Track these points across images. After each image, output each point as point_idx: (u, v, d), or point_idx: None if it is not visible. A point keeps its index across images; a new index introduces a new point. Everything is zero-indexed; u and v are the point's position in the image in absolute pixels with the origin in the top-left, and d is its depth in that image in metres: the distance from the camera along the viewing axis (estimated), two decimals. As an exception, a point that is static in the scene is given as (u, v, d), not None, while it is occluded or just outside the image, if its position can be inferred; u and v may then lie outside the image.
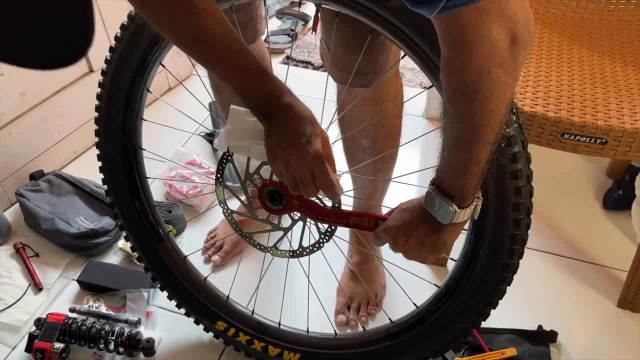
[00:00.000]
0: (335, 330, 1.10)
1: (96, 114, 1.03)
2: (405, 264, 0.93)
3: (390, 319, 1.03)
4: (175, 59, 1.89)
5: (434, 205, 0.73)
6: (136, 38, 0.94)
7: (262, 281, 1.31)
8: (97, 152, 1.05)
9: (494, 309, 0.90)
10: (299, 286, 1.28)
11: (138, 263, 1.34)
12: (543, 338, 1.15)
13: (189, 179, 1.52)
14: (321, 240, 0.94)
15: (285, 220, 0.96)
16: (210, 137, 1.71)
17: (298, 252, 0.96)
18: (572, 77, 1.04)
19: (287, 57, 2.17)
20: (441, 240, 0.76)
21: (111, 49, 0.97)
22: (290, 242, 0.99)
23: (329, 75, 0.99)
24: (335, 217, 0.89)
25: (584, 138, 0.94)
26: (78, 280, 1.30)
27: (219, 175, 0.96)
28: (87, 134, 1.70)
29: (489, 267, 0.87)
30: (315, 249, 0.95)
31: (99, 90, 1.01)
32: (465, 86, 0.59)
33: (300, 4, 0.96)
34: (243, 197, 0.95)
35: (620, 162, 1.50)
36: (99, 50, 1.58)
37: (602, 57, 1.12)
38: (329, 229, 0.92)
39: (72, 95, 1.62)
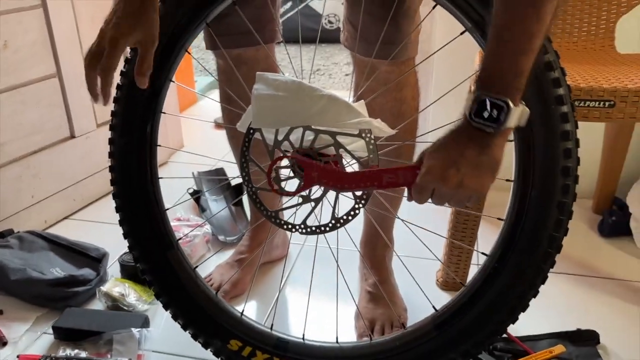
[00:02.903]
0: (370, 336, 0.97)
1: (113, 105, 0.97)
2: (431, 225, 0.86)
3: (434, 307, 0.93)
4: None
5: (483, 110, 0.67)
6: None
7: (272, 299, 1.18)
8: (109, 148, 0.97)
9: (552, 267, 0.83)
10: (319, 298, 1.18)
11: (126, 309, 1.19)
12: (587, 338, 1.07)
13: (178, 231, 1.42)
14: (356, 207, 0.87)
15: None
16: (197, 193, 1.65)
17: (330, 225, 0.89)
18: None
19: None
20: (493, 156, 0.70)
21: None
22: (319, 219, 0.91)
23: (354, 55, 1.01)
24: (365, 180, 0.80)
25: (593, 102, 0.99)
26: (54, 327, 1.11)
27: (244, 149, 0.91)
28: (62, 202, 1.60)
29: (543, 211, 0.82)
30: (350, 217, 0.88)
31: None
32: None
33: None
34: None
35: (605, 197, 1.57)
36: (82, 116, 1.59)
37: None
38: (364, 194, 0.87)
39: (50, 157, 1.54)
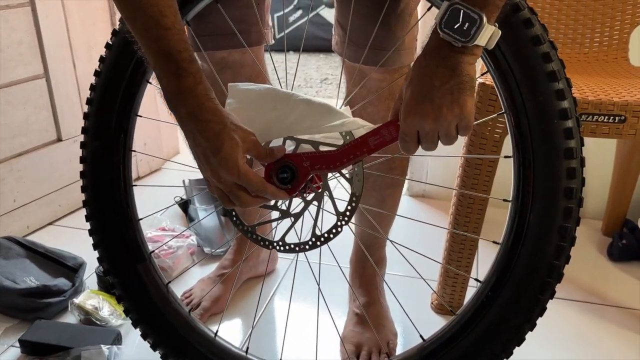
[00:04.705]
0: (352, 364, 0.89)
1: (86, 107, 0.92)
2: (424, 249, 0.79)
3: (422, 337, 0.85)
4: (147, 145, 1.83)
5: (456, 21, 0.63)
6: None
7: (252, 317, 1.11)
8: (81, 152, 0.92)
9: (552, 298, 0.76)
10: (303, 319, 1.12)
11: (99, 323, 1.12)
12: (591, 372, 0.98)
13: (161, 242, 1.35)
14: (339, 224, 0.80)
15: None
16: (184, 202, 1.58)
17: (311, 243, 0.82)
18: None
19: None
20: (465, 74, 0.65)
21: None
22: (299, 236, 0.84)
23: (344, 60, 0.94)
24: (354, 151, 0.76)
25: (602, 117, 0.91)
26: (20, 340, 1.05)
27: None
28: (46, 207, 1.54)
29: (543, 236, 0.74)
30: (332, 235, 0.81)
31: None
32: None
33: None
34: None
35: (615, 218, 1.48)
36: (70, 118, 1.54)
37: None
38: (347, 210, 0.79)
39: (35, 161, 1.49)
